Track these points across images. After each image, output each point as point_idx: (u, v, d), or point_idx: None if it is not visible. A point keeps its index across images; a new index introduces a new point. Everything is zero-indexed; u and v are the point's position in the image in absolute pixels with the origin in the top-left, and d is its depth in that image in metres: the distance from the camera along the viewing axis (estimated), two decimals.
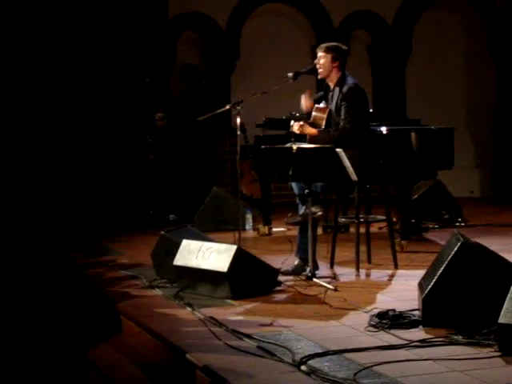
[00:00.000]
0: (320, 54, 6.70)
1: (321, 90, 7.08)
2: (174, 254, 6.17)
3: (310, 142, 6.68)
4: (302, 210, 6.52)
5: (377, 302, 5.56)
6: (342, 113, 6.58)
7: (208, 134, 10.56)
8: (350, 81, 6.67)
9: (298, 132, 6.73)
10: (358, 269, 6.61)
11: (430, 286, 4.83)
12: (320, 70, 6.71)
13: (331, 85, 6.75)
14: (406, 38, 12.42)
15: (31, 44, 10.00)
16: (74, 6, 10.25)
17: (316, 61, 6.72)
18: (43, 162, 9.76)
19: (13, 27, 9.93)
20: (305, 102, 6.92)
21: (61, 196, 9.56)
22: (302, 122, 6.72)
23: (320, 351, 4.38)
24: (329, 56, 6.65)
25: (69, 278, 6.01)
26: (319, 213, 6.36)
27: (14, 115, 9.78)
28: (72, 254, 7.82)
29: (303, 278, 6.27)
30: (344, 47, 6.83)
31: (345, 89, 6.61)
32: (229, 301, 5.74)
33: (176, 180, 10.55)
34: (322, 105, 6.81)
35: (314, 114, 6.76)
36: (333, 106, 6.68)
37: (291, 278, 6.36)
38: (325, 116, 6.69)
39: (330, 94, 6.76)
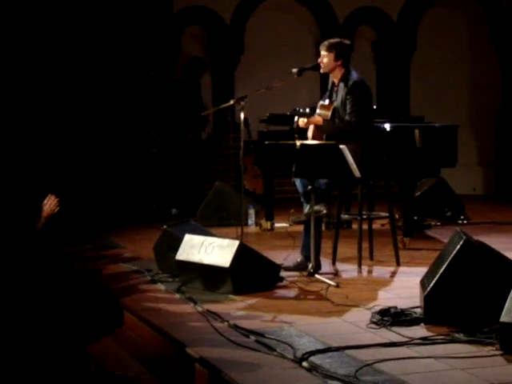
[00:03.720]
0: (323, 52, 6.66)
1: (325, 85, 7.07)
2: (176, 249, 6.18)
3: (313, 135, 6.68)
4: (306, 208, 6.51)
5: (378, 299, 5.56)
6: (348, 107, 6.57)
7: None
8: (354, 76, 6.66)
9: (303, 125, 6.72)
10: (360, 265, 6.61)
11: (431, 284, 4.83)
12: (322, 68, 6.70)
13: (336, 81, 6.75)
14: (411, 35, 12.41)
15: (34, 38, 10.00)
16: None
17: (319, 59, 6.69)
18: (47, 157, 9.77)
19: (15, 18, 9.93)
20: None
21: (64, 190, 9.56)
22: (305, 119, 6.74)
23: (321, 347, 4.38)
24: (331, 55, 6.62)
25: (65, 271, 6.01)
26: (323, 211, 6.35)
27: (17, 108, 9.79)
28: (73, 247, 7.81)
29: (305, 274, 6.27)
30: (347, 42, 6.81)
31: (350, 83, 6.60)
32: (231, 296, 5.74)
33: (179, 174, 10.55)
34: (326, 102, 6.80)
35: (318, 111, 6.76)
36: (338, 102, 6.67)
37: (293, 273, 6.36)
38: (329, 113, 6.68)
39: (335, 89, 6.76)
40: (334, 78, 6.75)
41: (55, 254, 6.00)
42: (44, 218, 5.51)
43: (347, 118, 6.58)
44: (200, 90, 10.82)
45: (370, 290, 5.95)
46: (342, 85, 6.66)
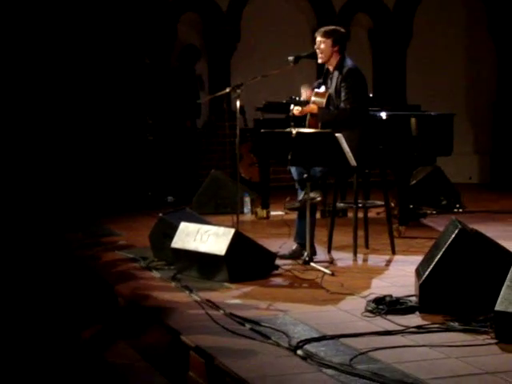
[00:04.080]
0: (319, 38, 6.67)
1: (321, 73, 7.06)
2: (171, 237, 6.17)
3: (309, 123, 6.68)
4: (300, 195, 6.51)
5: (374, 288, 5.56)
6: (342, 94, 6.57)
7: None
8: (349, 63, 6.66)
9: (297, 114, 6.72)
10: (355, 254, 6.61)
11: (427, 272, 4.83)
12: (320, 55, 6.69)
13: (331, 68, 6.74)
14: (407, 23, 12.39)
15: (31, 28, 9.96)
16: None
17: (316, 46, 6.69)
18: (43, 145, 9.75)
19: (13, 11, 9.89)
20: (305, 92, 6.88)
21: (60, 177, 9.56)
22: (300, 108, 6.73)
23: (316, 336, 4.38)
24: (329, 41, 6.63)
25: (63, 259, 6.01)
26: (318, 198, 6.36)
27: (13, 97, 9.77)
28: (68, 234, 7.81)
29: (301, 262, 6.27)
30: (342, 30, 6.82)
31: (344, 71, 6.60)
32: (226, 284, 5.74)
33: (175, 162, 10.54)
34: (321, 89, 6.79)
35: (313, 98, 6.75)
36: (332, 89, 6.67)
37: (289, 262, 6.36)
38: (324, 101, 6.68)
39: (330, 76, 6.75)
40: (330, 65, 6.74)
41: (55, 240, 6.00)
42: None
43: (342, 105, 6.57)
44: (195, 77, 10.79)
45: (366, 278, 5.95)
46: (336, 72, 6.66)
